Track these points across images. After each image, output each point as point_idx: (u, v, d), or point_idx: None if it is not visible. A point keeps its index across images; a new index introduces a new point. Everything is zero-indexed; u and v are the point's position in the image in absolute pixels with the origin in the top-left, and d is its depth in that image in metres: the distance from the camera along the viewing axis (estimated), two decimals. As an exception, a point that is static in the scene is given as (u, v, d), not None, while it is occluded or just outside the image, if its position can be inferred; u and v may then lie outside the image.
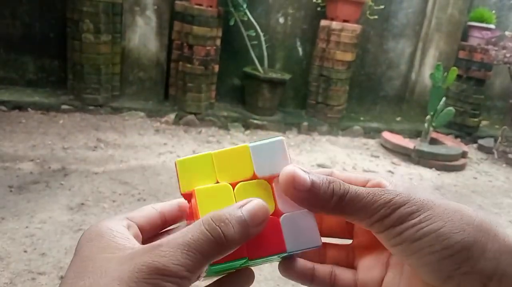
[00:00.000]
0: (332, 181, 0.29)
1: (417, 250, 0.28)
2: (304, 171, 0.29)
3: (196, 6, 3.72)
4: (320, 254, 0.35)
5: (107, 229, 0.29)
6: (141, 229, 0.32)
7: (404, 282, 0.31)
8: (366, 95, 4.91)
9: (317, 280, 0.34)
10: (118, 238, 0.28)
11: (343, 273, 0.34)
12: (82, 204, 2.37)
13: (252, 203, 0.28)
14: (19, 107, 3.61)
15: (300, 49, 4.56)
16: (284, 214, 0.31)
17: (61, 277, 1.82)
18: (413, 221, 0.28)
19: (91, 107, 3.78)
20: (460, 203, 0.30)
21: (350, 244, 0.36)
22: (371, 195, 0.29)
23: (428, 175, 3.64)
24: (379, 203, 0.28)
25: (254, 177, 0.31)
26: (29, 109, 3.62)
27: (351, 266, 0.35)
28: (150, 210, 0.34)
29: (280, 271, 0.33)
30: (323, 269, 0.34)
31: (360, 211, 0.29)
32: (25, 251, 1.94)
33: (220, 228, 0.26)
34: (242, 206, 0.28)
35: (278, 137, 0.32)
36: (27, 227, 2.11)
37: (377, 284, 0.33)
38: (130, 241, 0.28)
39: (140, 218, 0.32)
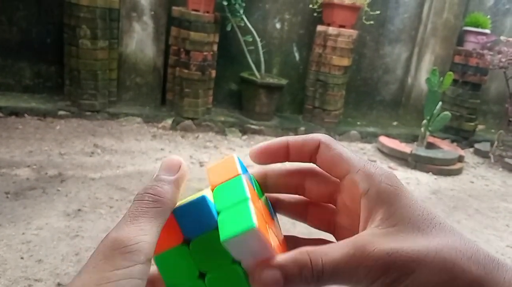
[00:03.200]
0: (302, 265, 0.26)
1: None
2: (271, 267, 0.27)
3: (193, 12, 3.73)
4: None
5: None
6: None
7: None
8: (362, 100, 4.92)
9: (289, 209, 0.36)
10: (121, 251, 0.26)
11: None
12: (79, 210, 2.36)
13: (163, 162, 0.30)
14: (16, 113, 3.60)
15: (296, 55, 4.57)
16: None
17: (58, 284, 1.81)
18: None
19: (88, 113, 3.77)
20: (453, 225, 0.29)
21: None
22: (348, 264, 0.26)
23: (425, 179, 3.65)
24: (359, 274, 0.26)
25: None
26: (25, 115, 3.62)
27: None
28: None
29: None
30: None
31: (343, 281, 0.27)
32: (22, 258, 1.93)
33: (148, 193, 0.28)
34: (158, 171, 0.30)
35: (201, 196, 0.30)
36: (23, 234, 2.10)
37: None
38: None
39: None
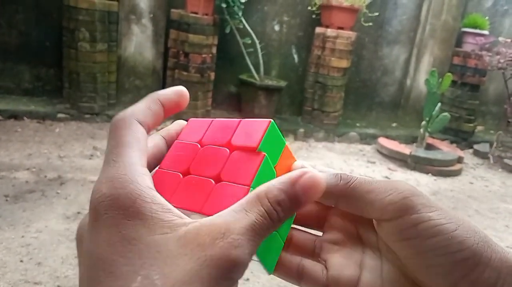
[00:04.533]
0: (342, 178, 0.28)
1: (431, 249, 0.25)
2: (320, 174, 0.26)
3: (192, 14, 3.74)
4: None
5: (141, 200, 0.23)
6: (148, 130, 0.30)
7: (387, 285, 0.29)
8: (361, 102, 4.93)
9: (284, 269, 0.31)
10: (161, 213, 0.23)
11: (312, 266, 0.31)
12: (79, 212, 2.36)
13: (308, 178, 0.25)
14: (15, 116, 3.60)
15: (295, 56, 4.58)
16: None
17: (58, 287, 1.81)
18: (430, 214, 0.26)
19: (87, 116, 3.77)
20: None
21: (320, 237, 0.33)
22: (379, 182, 0.28)
23: (425, 180, 3.65)
24: (390, 188, 0.27)
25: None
26: (25, 118, 3.61)
27: (316, 259, 0.32)
28: (156, 108, 0.31)
29: None
30: (289, 258, 0.31)
31: (370, 193, 0.27)
32: (21, 261, 1.93)
33: (277, 212, 0.24)
34: (297, 180, 0.25)
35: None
36: (23, 237, 2.09)
37: (351, 284, 0.30)
38: (173, 212, 0.24)
39: (149, 117, 0.30)
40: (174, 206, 0.24)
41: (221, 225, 0.22)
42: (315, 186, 0.25)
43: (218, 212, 0.24)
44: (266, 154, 0.28)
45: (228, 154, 0.29)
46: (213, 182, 0.28)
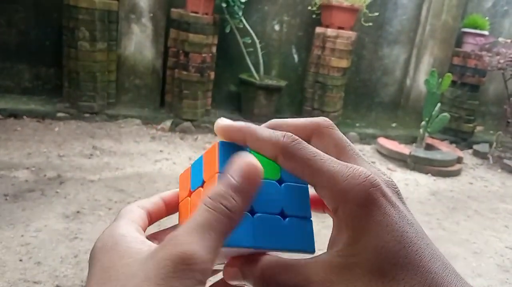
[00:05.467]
0: (254, 276, 0.28)
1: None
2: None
3: (192, 14, 3.74)
4: None
5: (120, 236, 0.27)
6: (149, 217, 0.32)
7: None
8: (361, 102, 4.93)
9: None
10: (134, 243, 0.26)
11: None
12: (78, 212, 2.36)
13: (239, 164, 0.25)
14: (15, 115, 3.60)
15: (295, 56, 4.58)
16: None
17: (57, 286, 1.80)
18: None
19: (86, 115, 3.77)
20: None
21: None
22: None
23: (424, 180, 3.65)
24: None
25: None
26: (24, 117, 3.61)
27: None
28: (158, 200, 0.33)
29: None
30: None
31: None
32: (21, 260, 1.93)
33: (223, 204, 0.24)
34: (231, 171, 0.25)
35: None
36: (22, 236, 2.09)
37: None
38: (145, 244, 0.27)
39: (150, 205, 0.33)
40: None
41: (173, 233, 0.24)
42: (248, 167, 0.25)
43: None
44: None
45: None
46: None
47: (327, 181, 0.26)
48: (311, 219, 0.30)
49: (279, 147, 0.27)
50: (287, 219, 0.29)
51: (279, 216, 0.29)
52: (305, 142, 0.27)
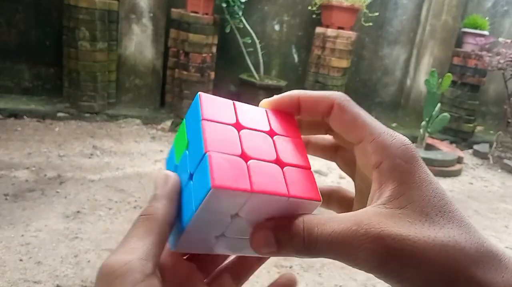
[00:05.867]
0: (294, 234, 0.26)
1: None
2: None
3: (192, 14, 3.74)
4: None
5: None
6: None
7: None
8: (361, 102, 4.90)
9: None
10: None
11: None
12: (78, 211, 2.36)
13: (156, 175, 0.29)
14: (15, 115, 3.60)
15: (295, 56, 4.58)
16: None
17: (57, 286, 1.80)
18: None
19: (87, 115, 3.77)
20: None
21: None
22: (347, 242, 0.25)
23: (424, 180, 3.65)
24: (358, 255, 0.25)
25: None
26: (24, 117, 3.61)
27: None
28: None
29: None
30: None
31: (338, 257, 0.26)
32: (21, 260, 1.93)
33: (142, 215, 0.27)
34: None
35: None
36: (22, 236, 2.09)
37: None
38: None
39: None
40: (256, 191, 0.25)
41: None
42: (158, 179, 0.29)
43: (297, 193, 0.26)
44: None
45: (271, 139, 0.29)
46: (278, 166, 0.28)
47: (378, 135, 0.28)
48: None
49: (337, 98, 0.29)
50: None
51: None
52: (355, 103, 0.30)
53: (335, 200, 0.34)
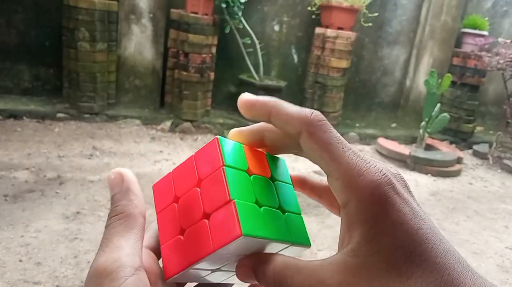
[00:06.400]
0: (267, 277, 0.27)
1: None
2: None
3: (192, 14, 3.74)
4: None
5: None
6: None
7: None
8: (361, 102, 4.93)
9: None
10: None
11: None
12: (78, 212, 2.36)
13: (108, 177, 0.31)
14: (15, 115, 3.60)
15: (295, 57, 4.58)
16: None
17: (57, 287, 1.80)
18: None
19: (86, 115, 3.77)
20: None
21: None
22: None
23: (424, 180, 3.65)
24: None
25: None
26: (24, 117, 3.61)
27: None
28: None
29: None
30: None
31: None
32: (20, 261, 1.93)
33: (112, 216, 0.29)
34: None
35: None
36: (22, 236, 2.09)
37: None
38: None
39: (153, 241, 0.31)
40: (196, 263, 0.27)
41: None
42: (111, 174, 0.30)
43: (222, 242, 0.26)
44: (223, 166, 0.28)
45: (199, 190, 0.29)
46: (206, 221, 0.28)
47: (343, 172, 0.25)
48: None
49: (306, 123, 0.27)
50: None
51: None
52: (331, 126, 0.27)
53: (326, 199, 0.33)
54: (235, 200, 0.26)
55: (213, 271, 0.30)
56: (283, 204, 0.30)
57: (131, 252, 0.26)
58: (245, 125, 0.31)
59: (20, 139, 3.22)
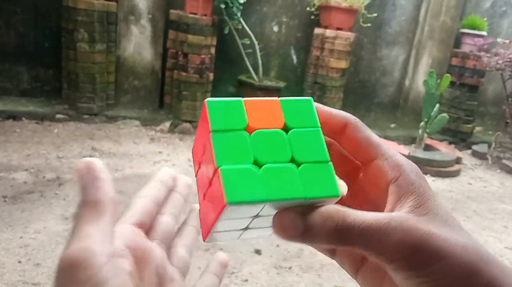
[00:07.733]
0: (326, 216, 0.26)
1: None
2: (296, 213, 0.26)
3: (191, 15, 3.74)
4: None
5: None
6: (143, 227, 0.31)
7: None
8: (360, 102, 4.93)
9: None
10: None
11: None
12: (77, 213, 2.36)
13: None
14: (14, 116, 3.60)
15: (294, 57, 4.58)
16: None
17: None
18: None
19: (85, 116, 3.77)
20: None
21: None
22: (381, 231, 0.26)
23: (423, 181, 3.65)
24: (389, 244, 0.26)
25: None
26: (23, 118, 3.61)
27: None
28: (143, 203, 0.33)
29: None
30: None
31: (368, 245, 0.26)
32: (20, 262, 1.92)
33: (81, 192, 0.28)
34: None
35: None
36: (21, 237, 2.09)
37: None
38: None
39: (138, 217, 0.32)
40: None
41: None
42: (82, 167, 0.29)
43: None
44: (210, 132, 0.27)
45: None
46: (294, 165, 0.28)
47: (392, 154, 0.30)
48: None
49: (351, 118, 0.32)
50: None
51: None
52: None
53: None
54: (220, 167, 0.26)
55: (243, 229, 0.29)
56: (297, 156, 0.28)
57: (101, 239, 0.26)
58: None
59: (19, 141, 3.22)
